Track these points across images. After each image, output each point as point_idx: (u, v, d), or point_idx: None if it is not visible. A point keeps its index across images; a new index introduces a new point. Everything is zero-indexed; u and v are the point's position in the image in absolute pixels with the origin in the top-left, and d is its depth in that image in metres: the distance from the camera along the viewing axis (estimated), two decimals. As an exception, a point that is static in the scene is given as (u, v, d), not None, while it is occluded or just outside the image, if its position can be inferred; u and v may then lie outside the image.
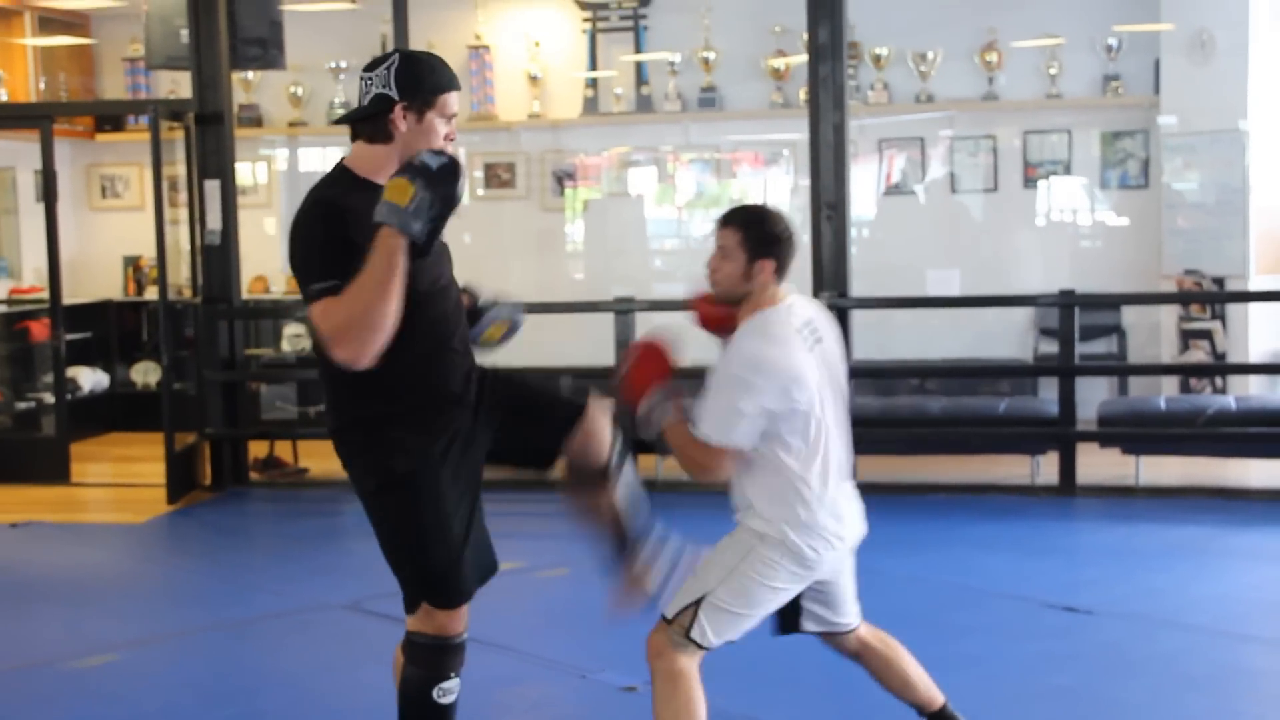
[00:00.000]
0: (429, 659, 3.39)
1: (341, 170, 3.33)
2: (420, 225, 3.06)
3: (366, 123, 3.29)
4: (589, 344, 8.62)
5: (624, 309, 8.12)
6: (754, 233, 3.56)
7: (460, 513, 3.37)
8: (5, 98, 9.57)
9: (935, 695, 3.83)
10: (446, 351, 3.38)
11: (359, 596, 5.79)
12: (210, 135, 8.23)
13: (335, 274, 3.09)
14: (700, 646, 3.52)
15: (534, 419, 3.57)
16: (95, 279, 10.66)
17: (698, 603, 3.50)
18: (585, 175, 10.29)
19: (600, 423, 3.58)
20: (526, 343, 9.16)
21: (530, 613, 5.63)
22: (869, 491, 3.78)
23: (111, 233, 10.78)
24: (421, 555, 3.34)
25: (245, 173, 10.15)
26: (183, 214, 8.44)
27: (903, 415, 8.15)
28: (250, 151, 10.28)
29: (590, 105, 10.02)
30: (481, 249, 9.77)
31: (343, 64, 10.10)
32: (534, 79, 10.00)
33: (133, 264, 10.67)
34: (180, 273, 8.52)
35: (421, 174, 3.07)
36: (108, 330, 10.50)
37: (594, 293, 9.56)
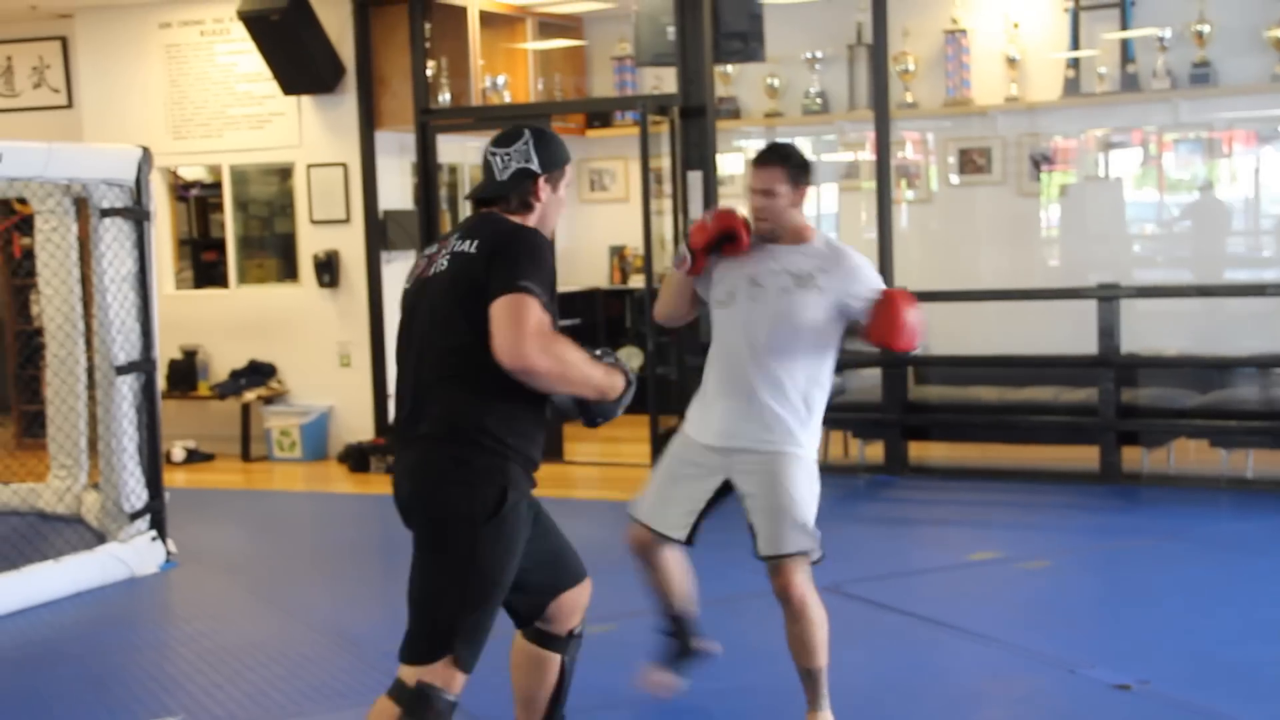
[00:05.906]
0: (438, 715, 3.32)
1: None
2: (605, 409, 3.64)
3: (509, 197, 3.50)
4: (1066, 332, 8.40)
5: (1108, 295, 7.84)
6: (792, 166, 4.13)
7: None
8: (509, 99, 10.25)
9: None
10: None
11: (839, 579, 5.88)
12: (693, 128, 8.55)
13: (548, 295, 3.41)
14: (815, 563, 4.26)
15: (555, 557, 3.74)
16: (584, 268, 11.27)
17: (811, 532, 4.22)
18: (1063, 159, 9.99)
19: (586, 593, 3.82)
20: (1004, 331, 9.01)
21: (1012, 604, 5.55)
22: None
23: (598, 223, 11.37)
24: (481, 603, 3.35)
25: (723, 163, 10.45)
26: (666, 204, 8.80)
27: None
28: (725, 143, 10.58)
29: (1071, 86, 9.71)
30: (954, 236, 9.64)
31: (818, 54, 10.22)
32: (1012, 61, 9.79)
33: (618, 253, 11.23)
34: (664, 261, 8.88)
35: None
36: (595, 316, 11.08)
37: (1069, 279, 9.27)
